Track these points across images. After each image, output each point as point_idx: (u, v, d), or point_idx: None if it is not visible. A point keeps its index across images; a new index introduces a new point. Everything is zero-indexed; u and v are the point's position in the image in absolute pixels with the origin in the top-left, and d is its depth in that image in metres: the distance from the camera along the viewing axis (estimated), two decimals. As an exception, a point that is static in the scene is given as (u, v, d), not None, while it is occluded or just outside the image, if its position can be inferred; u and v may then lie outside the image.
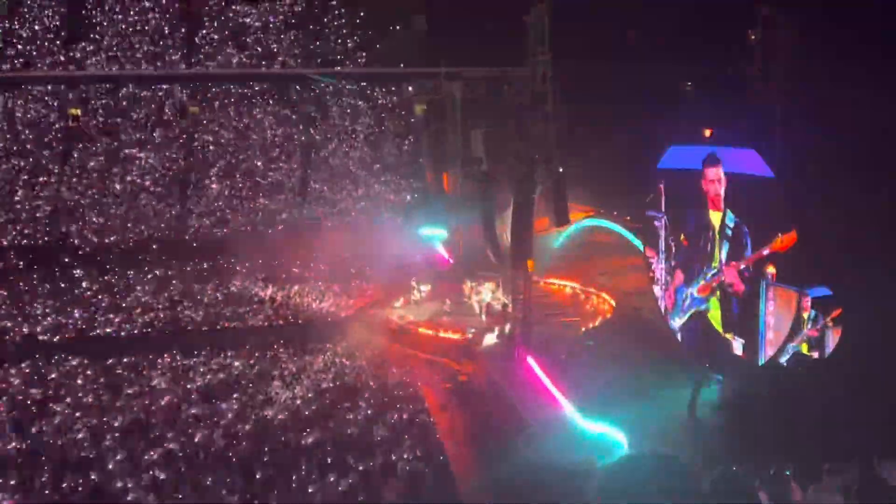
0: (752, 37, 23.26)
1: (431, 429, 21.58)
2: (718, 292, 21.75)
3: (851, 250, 19.96)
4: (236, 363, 26.86)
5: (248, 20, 41.27)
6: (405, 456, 19.57)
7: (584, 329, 28.09)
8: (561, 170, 27.84)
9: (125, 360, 27.10)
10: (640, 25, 35.83)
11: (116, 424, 22.04)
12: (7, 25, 38.95)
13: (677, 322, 23.22)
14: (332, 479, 18.40)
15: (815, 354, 20.23)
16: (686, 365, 22.38)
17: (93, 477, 18.85)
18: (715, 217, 21.48)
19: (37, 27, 39.34)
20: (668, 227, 23.15)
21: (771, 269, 20.40)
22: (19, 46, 38.96)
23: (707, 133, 21.78)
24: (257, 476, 18.71)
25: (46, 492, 18.27)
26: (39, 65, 39.16)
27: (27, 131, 37.73)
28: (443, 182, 35.71)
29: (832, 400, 17.61)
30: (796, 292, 20.21)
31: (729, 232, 21.19)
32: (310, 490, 17.87)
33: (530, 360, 24.49)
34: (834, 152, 21.36)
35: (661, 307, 24.08)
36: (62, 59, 39.42)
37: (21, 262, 34.50)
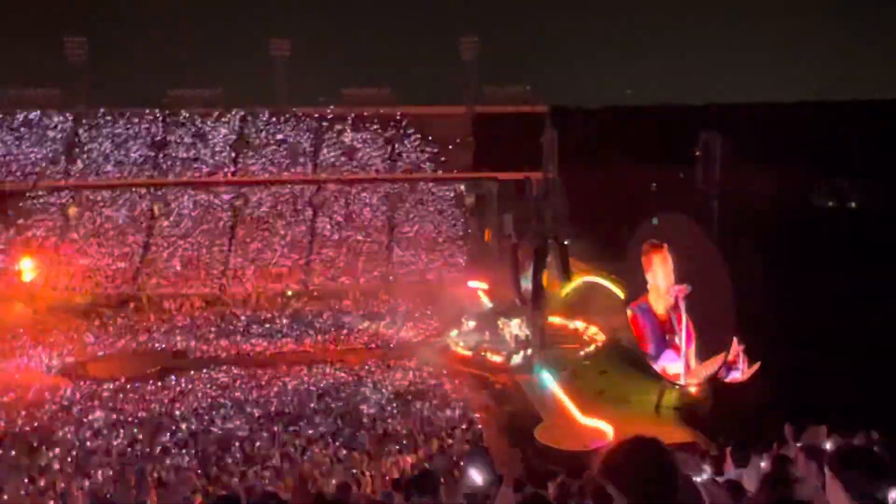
0: (696, 153, 23.20)
1: (475, 420, 21.36)
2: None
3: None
4: (342, 373, 26.92)
5: (355, 142, 42.28)
6: (457, 439, 19.41)
7: (582, 352, 27.72)
8: (566, 242, 27.85)
9: (268, 369, 27.33)
10: (620, 146, 35.73)
11: (260, 413, 22.19)
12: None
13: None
14: (405, 454, 18.28)
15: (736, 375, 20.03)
16: (653, 377, 22.00)
17: (247, 445, 18.96)
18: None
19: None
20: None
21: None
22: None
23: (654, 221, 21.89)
24: (358, 448, 18.65)
25: (214, 457, 18.29)
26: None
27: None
28: (485, 250, 35.85)
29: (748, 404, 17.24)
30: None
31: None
32: (390, 461, 17.76)
33: (544, 373, 24.27)
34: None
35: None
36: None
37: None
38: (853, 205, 34.48)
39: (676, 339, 21.30)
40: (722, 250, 19.83)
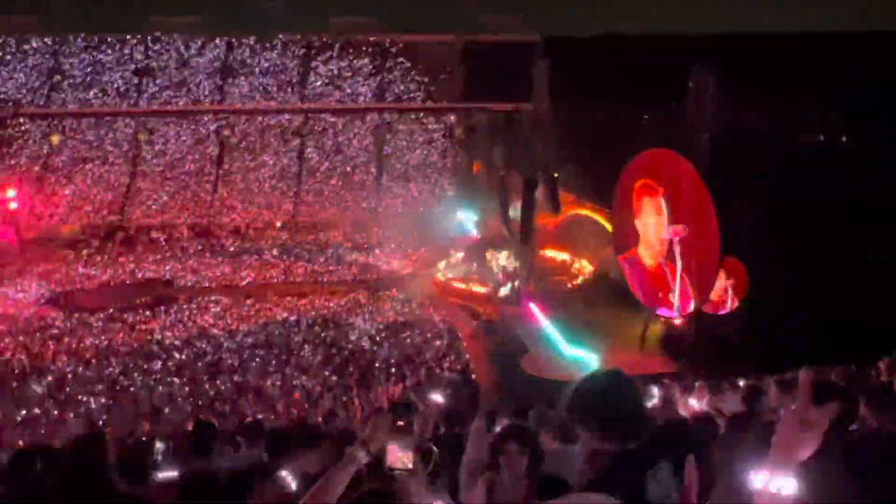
0: (689, 84, 22.84)
1: (462, 350, 21.67)
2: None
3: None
4: (331, 303, 27.12)
5: (343, 71, 41.38)
6: (445, 368, 19.70)
7: (570, 285, 27.98)
8: (556, 175, 27.75)
9: (257, 300, 27.49)
10: (611, 77, 35.15)
11: (250, 342, 22.43)
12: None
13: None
14: (393, 382, 18.58)
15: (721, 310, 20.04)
16: (639, 310, 22.21)
17: (238, 374, 19.23)
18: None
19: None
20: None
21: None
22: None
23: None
24: (348, 377, 18.92)
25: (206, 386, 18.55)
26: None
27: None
28: (474, 182, 35.65)
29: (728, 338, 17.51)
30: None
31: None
32: (379, 389, 18.04)
33: (531, 305, 24.55)
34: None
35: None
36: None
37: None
38: (843, 139, 34.37)
39: (670, 297, 20.41)
40: (711, 186, 19.73)
